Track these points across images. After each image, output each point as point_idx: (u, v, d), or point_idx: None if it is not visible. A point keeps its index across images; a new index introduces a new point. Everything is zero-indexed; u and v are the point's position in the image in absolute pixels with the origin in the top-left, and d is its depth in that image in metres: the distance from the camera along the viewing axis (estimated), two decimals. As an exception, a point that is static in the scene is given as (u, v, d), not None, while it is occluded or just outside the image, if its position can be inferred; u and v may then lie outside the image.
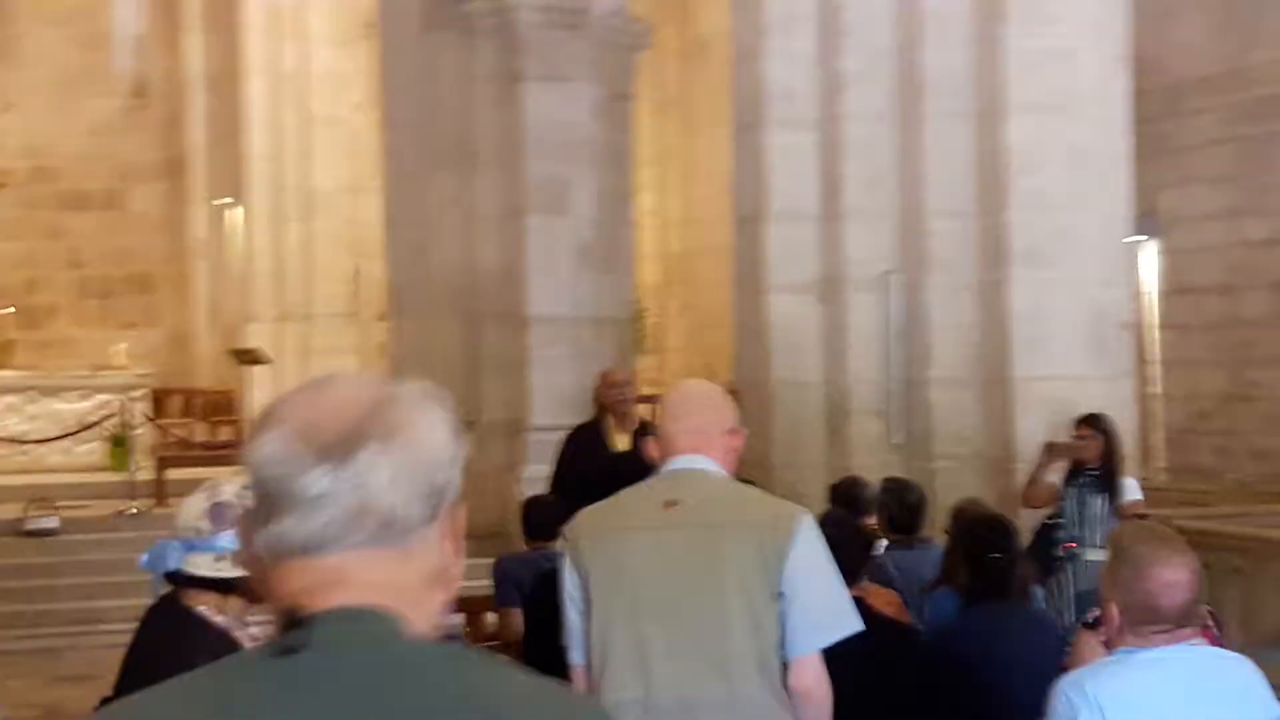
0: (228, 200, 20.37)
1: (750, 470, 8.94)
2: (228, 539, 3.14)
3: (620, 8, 14.34)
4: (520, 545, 7.65)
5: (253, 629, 3.26)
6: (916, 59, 8.42)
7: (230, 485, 3.24)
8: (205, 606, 3.19)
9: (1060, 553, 7.56)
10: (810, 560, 3.53)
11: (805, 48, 8.65)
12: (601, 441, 8.51)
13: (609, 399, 8.62)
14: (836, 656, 3.63)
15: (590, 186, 13.83)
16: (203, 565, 3.16)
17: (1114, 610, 3.44)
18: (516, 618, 6.86)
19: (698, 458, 3.66)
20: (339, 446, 1.46)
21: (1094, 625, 4.59)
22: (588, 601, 3.64)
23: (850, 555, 4.66)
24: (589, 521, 3.80)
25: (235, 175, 20.25)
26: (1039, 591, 6.11)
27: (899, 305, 8.47)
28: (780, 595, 3.48)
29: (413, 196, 14.19)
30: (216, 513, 3.18)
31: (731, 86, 9.18)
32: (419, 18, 14.09)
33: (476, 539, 7.90)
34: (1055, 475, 7.76)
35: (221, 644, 3.07)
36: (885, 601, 5.72)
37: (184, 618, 3.18)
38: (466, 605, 7.57)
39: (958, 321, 8.40)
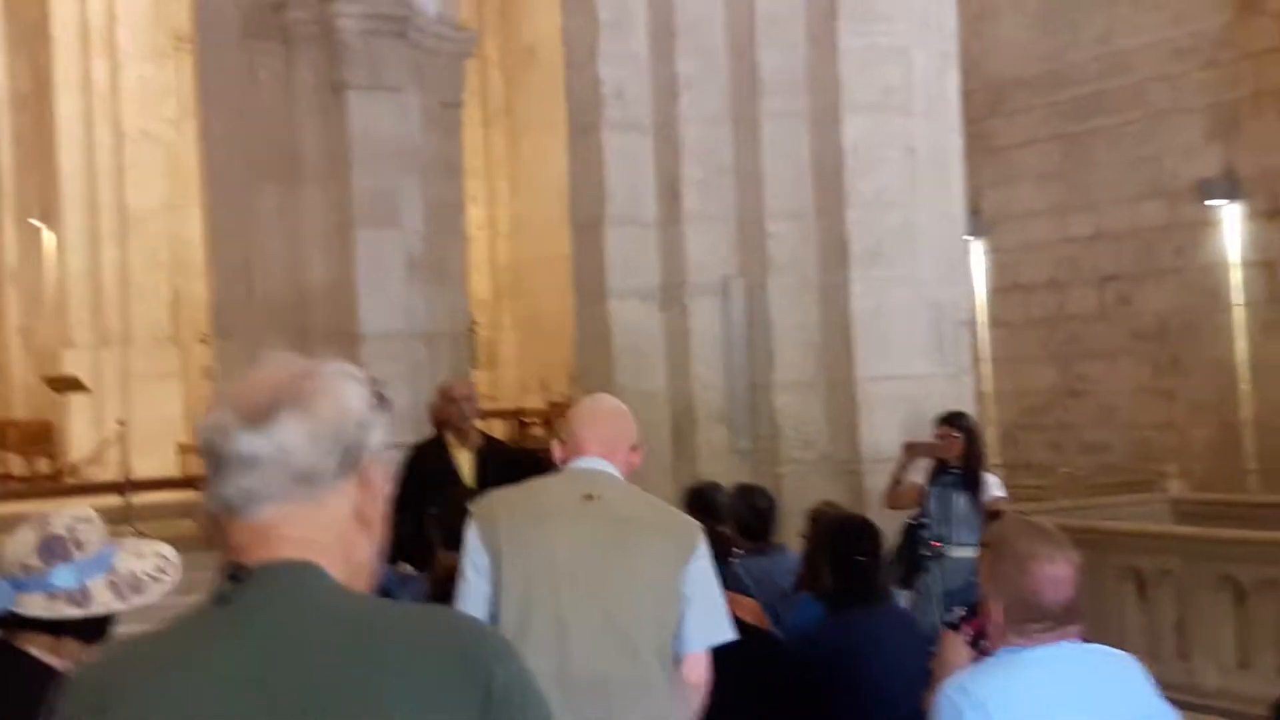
0: (39, 223, 19.67)
1: (596, 481, 8.78)
2: (61, 575, 2.89)
3: (445, 15, 14.08)
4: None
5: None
6: (751, 59, 8.33)
7: (61, 518, 2.97)
8: (38, 649, 2.93)
9: (926, 552, 7.53)
10: (708, 568, 3.88)
11: (639, 49, 8.52)
12: (444, 458, 8.27)
13: (449, 414, 8.37)
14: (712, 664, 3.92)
15: (419, 198, 13.55)
16: (35, 605, 2.89)
17: (995, 609, 3.34)
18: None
19: (604, 462, 3.93)
20: (260, 413, 1.70)
21: (958, 625, 4.52)
22: (497, 574, 3.85)
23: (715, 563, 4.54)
24: (505, 501, 4.01)
25: (47, 196, 19.56)
26: (902, 593, 6.04)
27: (741, 309, 8.36)
28: (682, 595, 3.80)
29: (235, 211, 13.73)
30: (48, 548, 2.91)
31: (560, 93, 9.01)
32: (237, 27, 13.64)
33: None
34: (918, 475, 7.73)
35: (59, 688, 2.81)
36: (747, 610, 5.59)
37: (16, 662, 2.92)
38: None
39: (800, 323, 8.31)
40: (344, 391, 1.75)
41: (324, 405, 1.72)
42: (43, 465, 18.30)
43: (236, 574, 1.71)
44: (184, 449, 17.99)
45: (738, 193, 8.43)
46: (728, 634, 3.90)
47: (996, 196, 15.59)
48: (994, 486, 7.73)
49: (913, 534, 7.59)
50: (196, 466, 15.70)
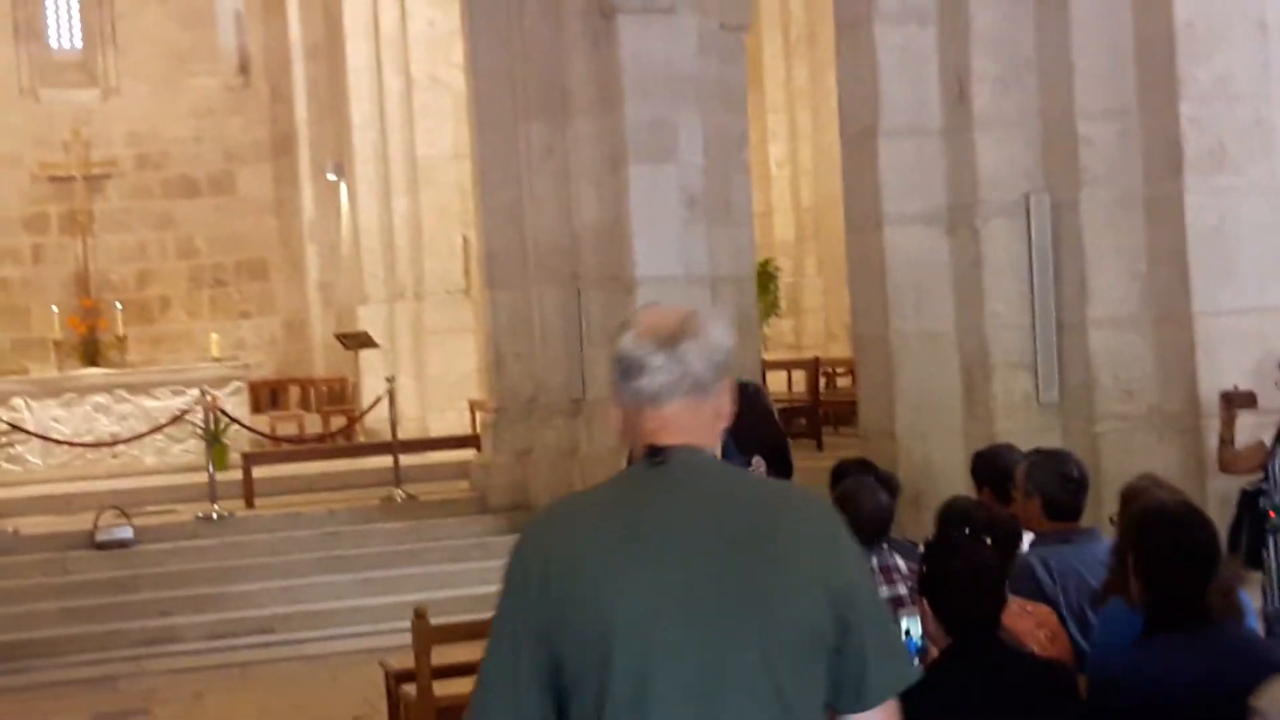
0: (333, 177, 19.31)
1: (875, 441, 7.46)
2: None
3: (725, -71, 12.84)
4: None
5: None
6: (1055, -78, 6.85)
7: None
8: None
9: (1265, 524, 6.03)
10: None
11: (917, -79, 7.13)
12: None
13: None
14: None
15: (699, 129, 12.39)
16: None
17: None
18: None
19: None
20: (669, 338, 2.47)
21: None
22: None
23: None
24: None
25: (340, 149, 19.17)
26: (1247, 598, 4.48)
27: (1046, 231, 6.95)
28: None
29: (504, 152, 12.96)
30: None
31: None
32: (503, -46, 12.79)
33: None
34: (1260, 432, 6.19)
35: None
36: (1036, 623, 4.24)
37: None
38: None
39: (1121, 247, 6.92)
40: (720, 326, 2.51)
41: (708, 335, 2.47)
42: (337, 423, 17.90)
43: (656, 450, 2.47)
44: (476, 405, 17.31)
45: (1041, 89, 7.09)
46: None
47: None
48: None
49: (1251, 503, 6.07)
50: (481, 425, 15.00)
